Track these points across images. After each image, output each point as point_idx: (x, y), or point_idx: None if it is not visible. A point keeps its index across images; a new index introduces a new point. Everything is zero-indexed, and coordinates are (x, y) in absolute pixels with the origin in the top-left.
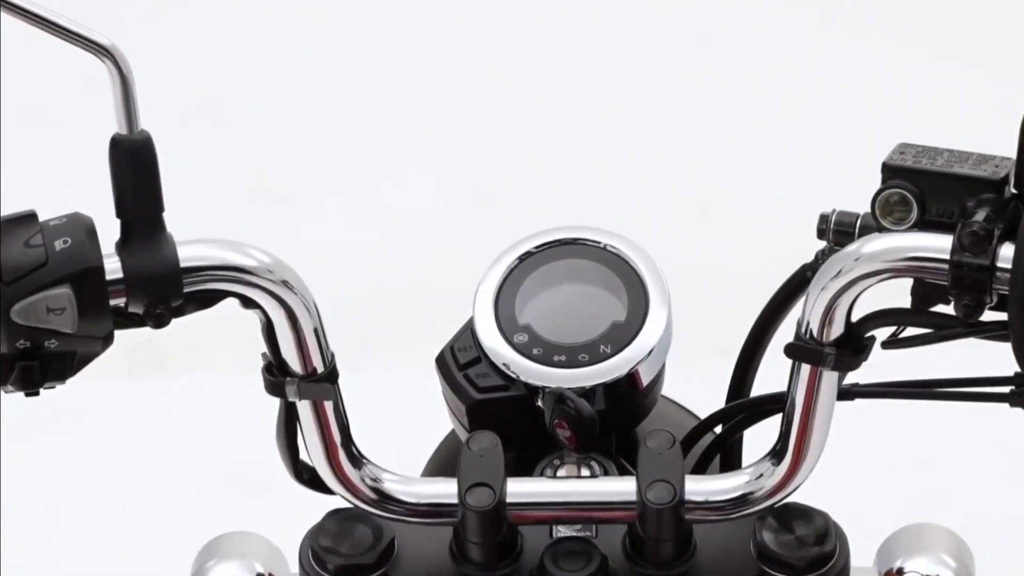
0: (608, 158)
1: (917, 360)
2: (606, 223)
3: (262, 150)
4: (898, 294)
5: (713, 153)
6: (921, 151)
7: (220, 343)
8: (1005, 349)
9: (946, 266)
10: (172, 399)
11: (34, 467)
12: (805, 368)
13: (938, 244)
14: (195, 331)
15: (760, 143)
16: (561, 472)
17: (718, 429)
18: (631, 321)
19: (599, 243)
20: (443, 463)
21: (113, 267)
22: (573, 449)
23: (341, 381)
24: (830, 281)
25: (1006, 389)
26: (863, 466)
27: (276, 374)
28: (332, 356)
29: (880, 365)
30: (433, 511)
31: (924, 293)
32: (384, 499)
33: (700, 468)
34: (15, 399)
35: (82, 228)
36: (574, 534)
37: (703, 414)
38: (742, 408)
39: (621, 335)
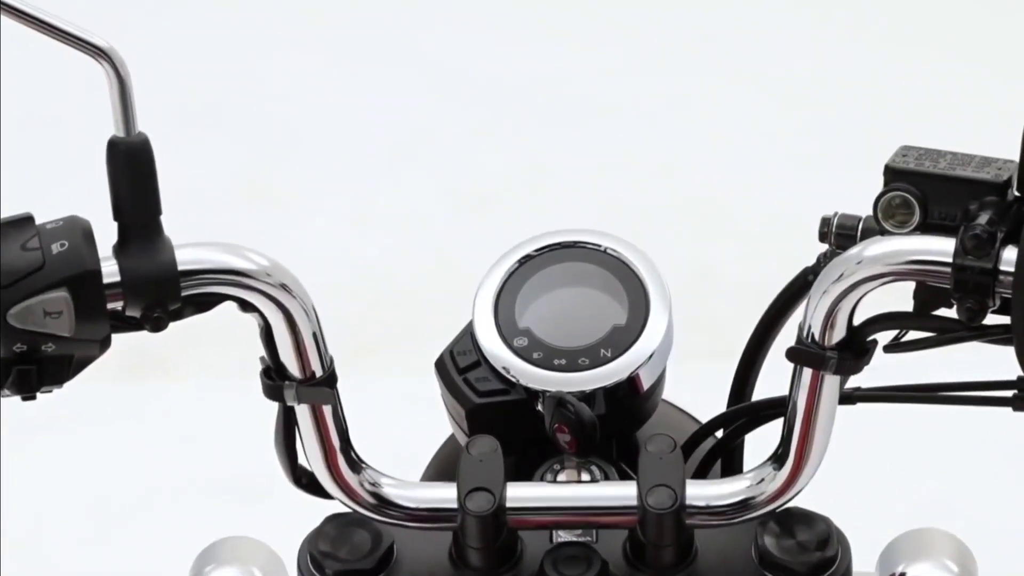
0: (608, 161)
1: (919, 364)
2: (606, 226)
3: (261, 152)
4: (900, 298)
5: (714, 155)
6: (923, 154)
7: (218, 347)
8: (1008, 353)
9: (949, 269)
10: (170, 403)
11: (30, 472)
12: (807, 372)
13: (940, 247)
14: (193, 335)
15: (761, 145)
16: (561, 477)
17: (719, 433)
18: (632, 325)
19: (599, 246)
20: (442, 468)
21: (110, 270)
22: (573, 453)
23: (340, 385)
24: (832, 285)
25: (1009, 393)
26: (865, 471)
27: (274, 378)
28: (331, 360)
29: (882, 369)
30: (432, 516)
31: (926, 297)
32: (383, 504)
33: (701, 473)
34: (12, 403)
35: (79, 231)
36: (574, 539)
37: (704, 418)
38: (743, 412)
39: (622, 339)
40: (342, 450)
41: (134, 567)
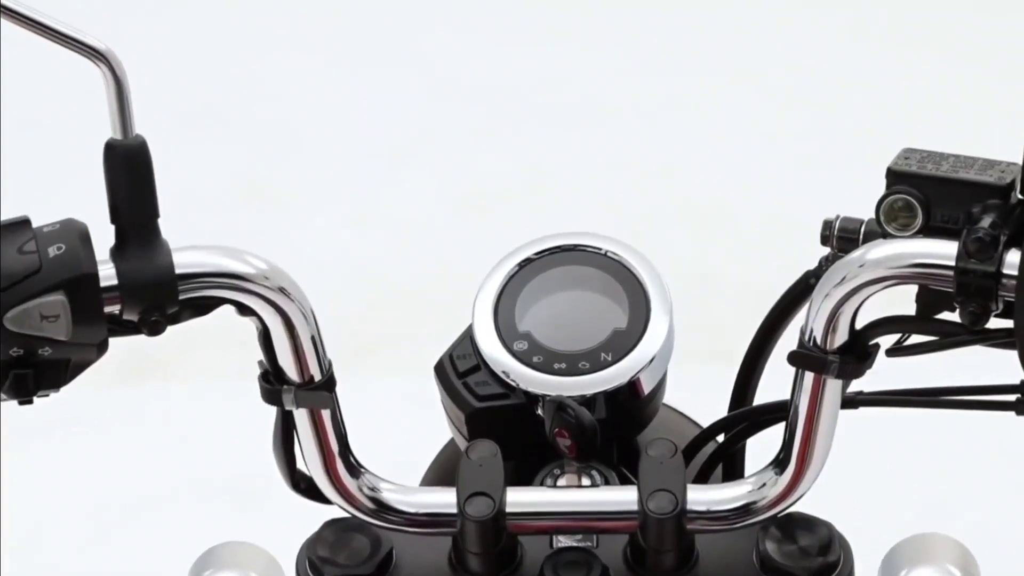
0: (609, 163)
1: (922, 368)
2: (607, 229)
3: (259, 155)
4: (903, 301)
5: (715, 158)
6: (926, 156)
7: (216, 351)
8: (1011, 357)
9: (951, 273)
10: (167, 407)
11: (29, 476)
12: (808, 376)
13: (943, 250)
14: (191, 339)
15: (763, 148)
16: (561, 481)
17: (720, 438)
18: (632, 328)
19: (600, 249)
20: (442, 472)
21: (107, 274)
22: (574, 458)
23: (339, 389)
24: (834, 288)
25: (1012, 397)
26: (867, 475)
27: (273, 382)
28: (329, 364)
29: (884, 373)
30: (432, 521)
31: (929, 300)
32: (382, 509)
33: (702, 477)
34: (8, 407)
35: (76, 234)
36: (575, 544)
37: (705, 423)
38: (745, 416)
39: (622, 343)
40: (341, 454)
41: (132, 571)
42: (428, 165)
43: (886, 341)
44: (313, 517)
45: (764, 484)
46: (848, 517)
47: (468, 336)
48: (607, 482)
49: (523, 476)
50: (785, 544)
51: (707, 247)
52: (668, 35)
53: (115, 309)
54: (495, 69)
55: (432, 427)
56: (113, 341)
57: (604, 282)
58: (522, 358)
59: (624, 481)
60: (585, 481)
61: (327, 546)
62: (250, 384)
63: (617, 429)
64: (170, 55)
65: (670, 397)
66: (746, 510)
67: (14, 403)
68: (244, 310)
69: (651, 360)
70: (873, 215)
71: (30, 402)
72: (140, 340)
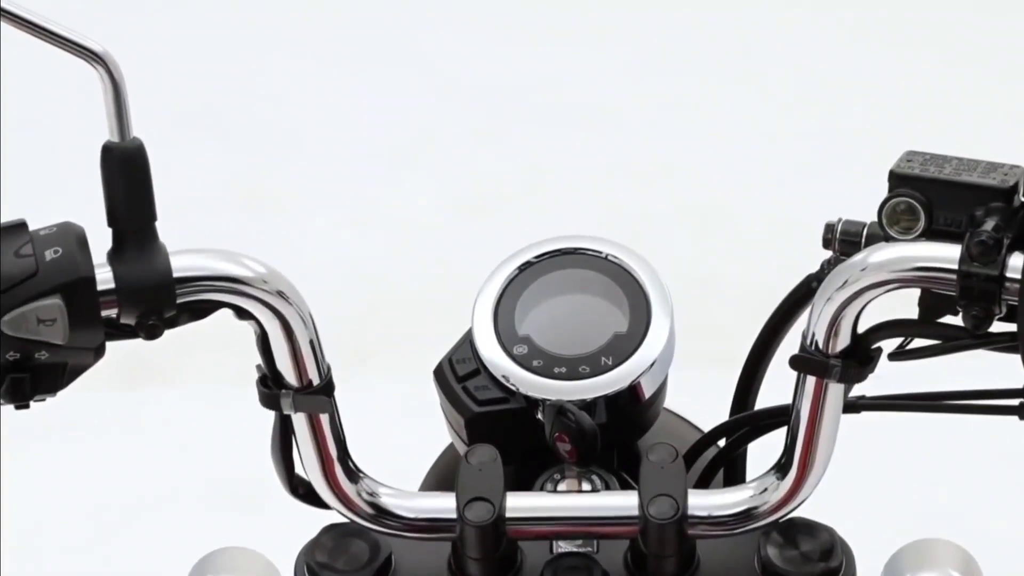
0: (610, 166)
1: (924, 372)
2: (607, 232)
3: (257, 158)
4: (905, 305)
5: (717, 161)
6: (929, 159)
7: (214, 355)
8: (1014, 361)
9: (954, 276)
10: (165, 412)
11: (24, 481)
12: (810, 380)
13: (946, 254)
14: (188, 342)
15: (765, 151)
16: (562, 486)
17: (721, 443)
18: (633, 332)
19: (600, 253)
20: (441, 477)
21: (105, 277)
22: (574, 463)
23: (337, 393)
24: (836, 291)
25: (1015, 402)
26: (869, 480)
27: (271, 386)
28: (328, 368)
29: (887, 377)
30: (431, 526)
31: (932, 304)
32: (381, 514)
33: (703, 482)
34: (7, 411)
35: (73, 237)
36: (575, 549)
37: (706, 427)
38: (746, 421)
39: (623, 347)
40: (339, 459)
41: None
42: (427, 167)
43: (888, 345)
44: (311, 522)
45: (766, 489)
46: (850, 522)
47: (467, 340)
48: (607, 487)
49: (523, 481)
50: (787, 549)
51: (708, 250)
52: (669, 36)
53: (112, 313)
54: (495, 70)
55: (431, 432)
56: (110, 345)
57: (604, 285)
58: (522, 362)
59: (625, 486)
60: (585, 486)
61: (325, 551)
62: (248, 388)
63: (618, 434)
64: (168, 56)
65: (671, 401)
66: (747, 515)
67: (10, 407)
68: (242, 314)
69: (652, 364)
70: (875, 218)
71: (27, 406)
72: (137, 344)
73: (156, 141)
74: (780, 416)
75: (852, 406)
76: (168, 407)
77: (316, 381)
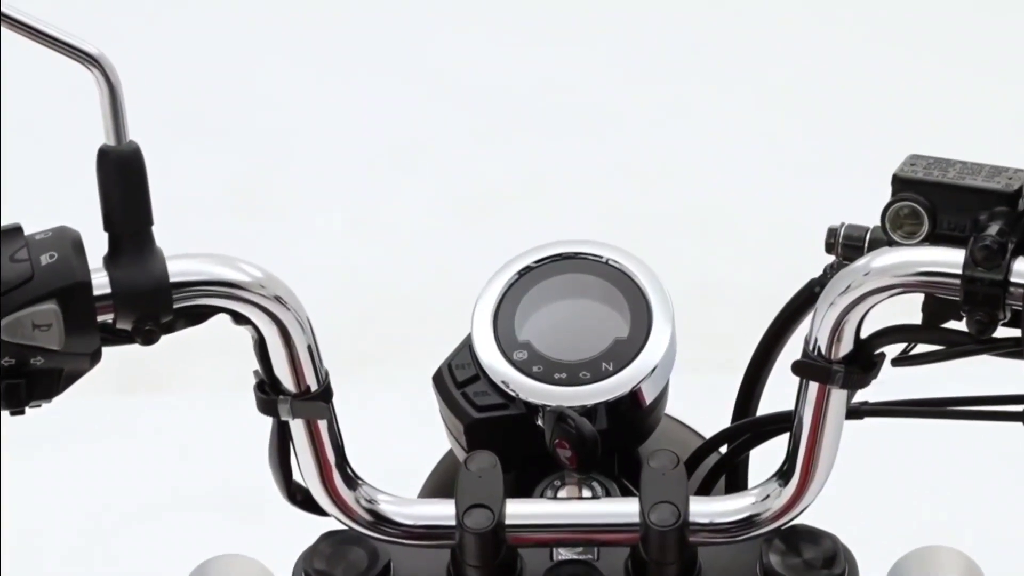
0: (610, 170)
1: (928, 378)
2: (608, 236)
3: (254, 162)
4: (909, 310)
5: (718, 164)
6: (932, 163)
7: (211, 361)
8: (1019, 367)
9: (958, 281)
10: (162, 418)
11: (19, 488)
12: (813, 386)
13: (950, 258)
14: (185, 348)
15: (767, 154)
16: (562, 493)
17: (723, 449)
18: (634, 338)
19: (601, 257)
20: (440, 484)
21: (101, 282)
22: (574, 469)
23: (336, 399)
24: (839, 296)
25: (1020, 408)
26: (873, 487)
27: (268, 392)
28: (326, 374)
29: (890, 383)
30: (430, 533)
31: (935, 309)
32: (380, 521)
33: (705, 489)
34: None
35: (69, 242)
36: (575, 557)
37: (708, 433)
38: (748, 427)
39: (624, 352)
40: (337, 466)
41: None
42: (426, 171)
43: (892, 351)
44: (310, 529)
45: (768, 496)
46: (853, 529)
47: (467, 345)
48: (608, 494)
49: (523, 488)
50: (789, 557)
51: (710, 255)
52: (671, 39)
53: (108, 318)
54: (494, 74)
55: (430, 438)
56: (106, 351)
57: (605, 290)
58: (522, 368)
59: (625, 493)
60: (586, 493)
61: (324, 559)
62: (245, 394)
63: (618, 440)
64: (164, 59)
65: (672, 407)
66: (749, 522)
67: (5, 413)
68: (239, 319)
69: (653, 370)
70: (879, 222)
71: (22, 413)
72: (134, 350)
73: (152, 144)
74: (782, 422)
75: (855, 412)
76: (165, 413)
77: (314, 387)
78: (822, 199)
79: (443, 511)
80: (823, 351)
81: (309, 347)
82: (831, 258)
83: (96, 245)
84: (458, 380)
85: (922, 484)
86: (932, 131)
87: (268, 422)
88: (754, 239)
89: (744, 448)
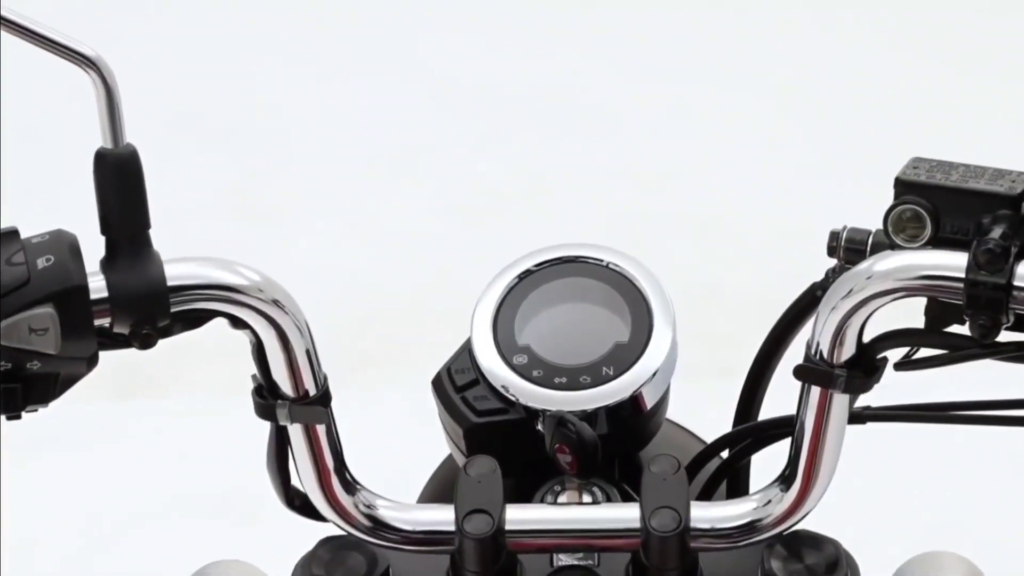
0: (611, 173)
1: (931, 382)
2: (609, 240)
3: (252, 165)
4: (911, 314)
5: (720, 167)
6: (935, 166)
7: (209, 365)
8: (1022, 370)
9: (961, 285)
10: (159, 423)
11: (15, 493)
12: (815, 390)
13: (953, 262)
14: (183, 352)
15: (769, 157)
16: (562, 498)
17: (725, 454)
18: (635, 342)
19: (601, 261)
20: (440, 489)
21: (98, 286)
22: (574, 474)
23: (334, 404)
24: (841, 300)
25: (1023, 412)
26: (875, 492)
27: (267, 397)
28: (325, 378)
29: (892, 387)
30: (429, 539)
31: (938, 313)
32: (379, 526)
33: (706, 494)
34: None
35: (65, 245)
36: (575, 562)
37: (709, 438)
38: (750, 432)
39: (624, 356)
40: (336, 471)
41: None
42: (426, 175)
43: (894, 355)
44: (308, 535)
45: (769, 501)
46: (856, 534)
47: (466, 350)
48: (608, 499)
49: (523, 493)
50: (791, 562)
51: (711, 258)
52: (672, 42)
53: (105, 322)
54: (493, 77)
55: (430, 443)
56: (103, 355)
57: (605, 294)
58: (522, 372)
59: (626, 498)
60: (586, 498)
61: (322, 564)
62: (243, 399)
63: (619, 445)
64: (162, 62)
65: (673, 412)
66: (751, 527)
67: (2, 418)
68: (237, 323)
69: (654, 374)
70: (881, 226)
71: (18, 417)
72: (131, 354)
73: (150, 147)
74: (784, 427)
75: (857, 417)
76: (162, 418)
77: (313, 391)
78: (824, 202)
79: (442, 516)
80: (825, 355)
81: (307, 351)
82: (833, 262)
83: (93, 248)
84: (457, 384)
85: (925, 489)
86: (935, 134)
87: (266, 427)
88: (756, 242)
89: (745, 453)
